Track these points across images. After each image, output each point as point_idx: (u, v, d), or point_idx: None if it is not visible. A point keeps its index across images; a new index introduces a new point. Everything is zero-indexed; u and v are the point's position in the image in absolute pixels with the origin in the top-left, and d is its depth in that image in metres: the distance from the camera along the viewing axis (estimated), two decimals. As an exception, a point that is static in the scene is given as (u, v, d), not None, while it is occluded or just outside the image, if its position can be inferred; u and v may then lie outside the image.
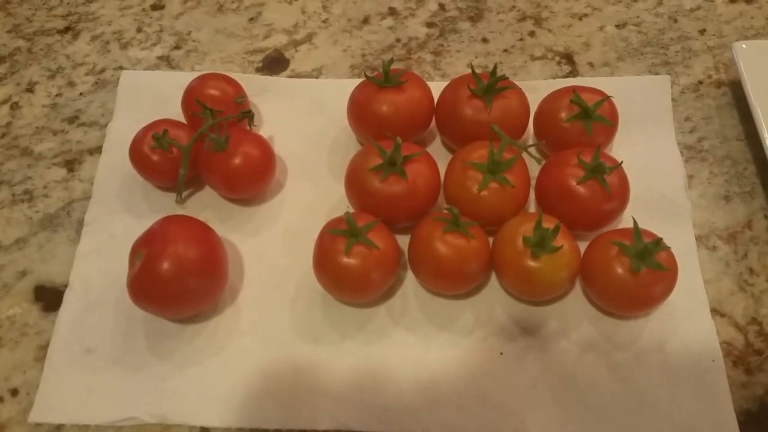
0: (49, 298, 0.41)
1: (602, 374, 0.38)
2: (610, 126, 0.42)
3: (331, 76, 0.51)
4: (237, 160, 0.41)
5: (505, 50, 0.52)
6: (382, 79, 0.43)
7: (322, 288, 0.40)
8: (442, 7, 0.54)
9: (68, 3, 0.55)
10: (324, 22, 0.54)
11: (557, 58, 0.51)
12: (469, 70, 0.43)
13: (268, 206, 0.44)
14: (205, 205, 0.44)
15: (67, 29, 0.54)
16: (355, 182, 0.41)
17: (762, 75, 0.46)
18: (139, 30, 0.53)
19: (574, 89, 0.43)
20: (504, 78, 0.42)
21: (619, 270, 0.37)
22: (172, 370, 0.38)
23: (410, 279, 0.41)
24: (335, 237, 0.38)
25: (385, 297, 0.41)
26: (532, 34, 0.53)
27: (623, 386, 0.38)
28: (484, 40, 0.53)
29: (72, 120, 0.49)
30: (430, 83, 0.45)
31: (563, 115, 0.42)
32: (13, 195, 0.45)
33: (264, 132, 0.47)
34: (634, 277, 0.36)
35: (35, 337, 0.40)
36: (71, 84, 0.50)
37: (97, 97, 0.50)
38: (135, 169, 0.43)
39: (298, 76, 0.51)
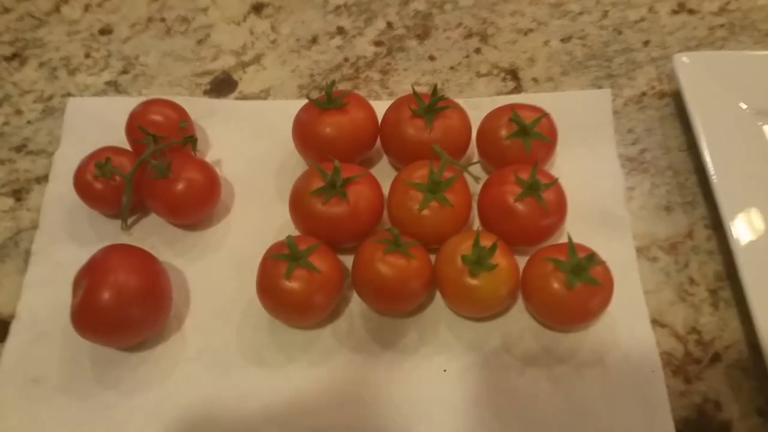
0: (-4, 329, 0.41)
1: (543, 388, 0.39)
2: (549, 142, 0.43)
3: (280, 96, 0.51)
4: (179, 186, 0.41)
5: (452, 67, 0.53)
6: (324, 101, 0.43)
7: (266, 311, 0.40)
8: (389, 25, 0.55)
9: (15, 29, 0.55)
10: (272, 42, 0.54)
11: (502, 75, 0.52)
12: (416, 88, 0.43)
13: (215, 230, 0.44)
14: (151, 231, 0.44)
15: (14, 56, 0.54)
16: (298, 205, 0.41)
17: (701, 86, 0.48)
18: (87, 55, 0.53)
19: (512, 107, 0.43)
20: (444, 98, 0.43)
21: (555, 285, 0.37)
22: (118, 399, 0.38)
23: (356, 299, 0.42)
24: (277, 261, 0.38)
25: (331, 318, 0.41)
26: (477, 50, 0.54)
27: (564, 399, 0.39)
28: (431, 58, 0.53)
29: (19, 149, 0.49)
30: (377, 102, 0.46)
31: (503, 132, 0.43)
32: (-41, 226, 0.45)
33: (211, 155, 0.47)
34: (570, 292, 0.37)
35: (-20, 369, 0.40)
36: (18, 112, 0.50)
37: (45, 124, 0.50)
38: (80, 197, 0.43)
39: (247, 97, 0.51)
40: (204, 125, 0.48)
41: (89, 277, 0.37)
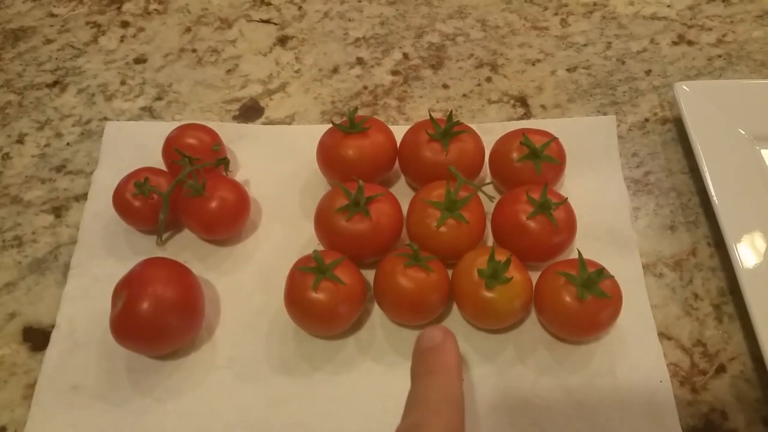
0: (37, 338, 0.43)
1: (557, 398, 0.41)
2: (558, 164, 0.46)
3: (303, 122, 0.54)
4: (213, 204, 0.44)
5: (464, 95, 0.56)
6: (347, 126, 0.46)
7: (294, 323, 0.42)
8: (405, 56, 0.58)
9: (56, 58, 0.59)
10: (296, 72, 0.57)
11: (512, 102, 0.55)
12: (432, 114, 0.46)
13: (244, 246, 0.47)
14: (184, 247, 0.47)
15: (55, 83, 0.57)
16: (323, 222, 0.44)
17: (701, 113, 0.50)
18: (122, 83, 0.57)
19: (523, 132, 0.46)
20: (459, 123, 0.46)
21: (567, 298, 0.40)
22: (153, 405, 0.40)
23: (377, 312, 0.44)
24: (304, 274, 0.41)
25: (354, 329, 0.43)
26: (488, 79, 0.57)
27: (577, 408, 0.40)
28: (445, 86, 0.56)
29: (59, 169, 0.52)
30: (394, 127, 0.49)
31: (514, 155, 0.46)
32: (3, 241, 0.48)
33: (240, 176, 0.50)
34: (581, 304, 0.39)
35: (23, 376, 0.42)
36: (59, 135, 0.54)
37: (83, 146, 0.53)
38: (118, 215, 0.45)
39: (273, 122, 0.54)
40: (233, 148, 0.51)
41: (129, 289, 0.39)
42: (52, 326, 0.44)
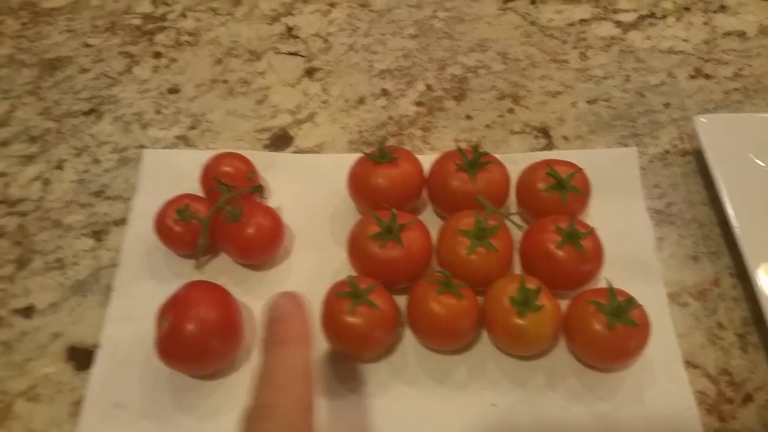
0: (81, 357, 0.45)
1: (587, 424, 0.42)
2: (583, 195, 0.47)
3: (331, 150, 0.56)
4: (250, 230, 0.45)
5: (487, 126, 0.58)
6: (377, 156, 0.48)
7: (328, 346, 0.44)
8: (429, 88, 0.60)
9: (92, 87, 0.61)
10: (324, 102, 0.59)
11: (534, 133, 0.57)
12: (455, 144, 0.48)
13: (277, 271, 0.48)
14: (221, 270, 0.48)
15: (91, 111, 0.59)
16: (356, 248, 0.45)
17: (721, 145, 0.52)
18: (157, 112, 0.59)
19: (549, 163, 0.48)
20: (486, 153, 0.47)
21: (597, 326, 0.41)
22: (194, 423, 0.41)
23: (408, 336, 0.45)
24: (340, 298, 0.42)
25: (387, 353, 0.44)
26: (510, 111, 0.59)
27: (606, 434, 0.41)
28: (468, 117, 0.58)
29: (98, 194, 0.53)
30: (420, 156, 0.50)
31: (540, 186, 0.47)
32: (46, 263, 0.50)
33: (272, 203, 0.52)
34: (611, 332, 0.40)
35: (69, 393, 0.43)
36: (97, 161, 0.55)
37: (121, 173, 0.55)
38: (159, 239, 0.47)
39: (302, 151, 0.56)
40: (265, 176, 0.53)
41: (175, 311, 0.40)
42: (95, 346, 0.45)
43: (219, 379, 0.43)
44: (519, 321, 0.41)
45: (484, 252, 0.44)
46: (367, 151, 0.49)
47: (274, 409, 0.30)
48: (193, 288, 0.42)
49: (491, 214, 0.45)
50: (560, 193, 0.47)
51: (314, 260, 0.49)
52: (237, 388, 0.43)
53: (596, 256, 0.45)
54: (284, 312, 0.34)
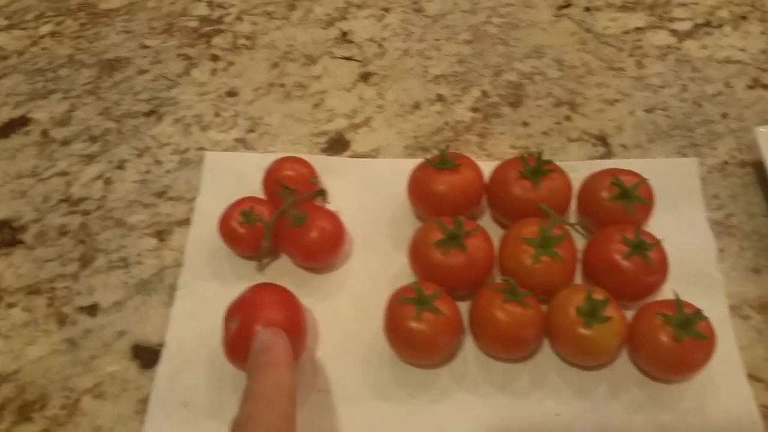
0: (146, 356, 0.46)
1: (650, 435, 0.42)
2: (647, 205, 0.47)
3: (388, 155, 0.56)
4: (314, 234, 0.46)
5: (544, 133, 0.58)
6: (439, 162, 0.48)
7: (389, 350, 0.44)
8: (484, 94, 0.61)
9: (151, 88, 0.62)
10: (379, 107, 0.60)
11: (592, 140, 0.57)
12: (512, 151, 0.48)
13: (338, 274, 0.49)
14: (282, 273, 0.49)
15: (151, 112, 0.60)
16: (418, 254, 0.45)
17: (782, 157, 0.51)
18: (216, 114, 0.60)
19: (612, 172, 0.48)
20: (550, 162, 0.47)
21: (664, 338, 0.41)
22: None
23: (469, 343, 0.45)
24: (404, 304, 0.42)
25: (447, 359, 0.45)
26: (568, 118, 0.58)
27: (670, 446, 0.41)
28: (525, 124, 0.58)
29: (160, 195, 0.54)
30: (477, 162, 0.51)
31: (604, 195, 0.47)
32: (109, 262, 0.51)
33: (330, 206, 0.52)
34: (677, 344, 0.40)
35: (134, 392, 0.44)
36: (158, 162, 0.57)
37: (182, 174, 0.55)
38: (223, 241, 0.48)
39: (359, 155, 0.56)
40: (323, 180, 0.53)
41: (243, 312, 0.41)
42: (160, 345, 0.46)
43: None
44: (585, 331, 0.41)
45: (548, 261, 0.44)
46: (425, 156, 0.49)
47: (259, 417, 0.33)
48: (261, 289, 0.43)
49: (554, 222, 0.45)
50: (625, 202, 0.46)
51: (373, 264, 0.49)
52: (300, 389, 0.43)
53: (662, 267, 0.44)
54: (268, 342, 0.38)
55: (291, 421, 0.34)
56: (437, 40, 0.65)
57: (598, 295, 0.41)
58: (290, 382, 0.36)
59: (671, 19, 0.66)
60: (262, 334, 0.39)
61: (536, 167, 0.47)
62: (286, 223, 0.47)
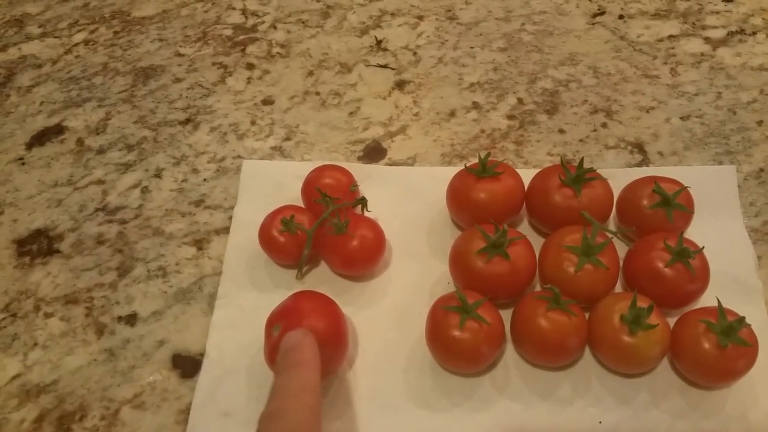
0: (186, 365, 0.46)
1: (693, 443, 0.41)
2: (688, 213, 0.47)
3: (425, 163, 0.57)
4: (355, 242, 0.46)
5: (581, 140, 0.57)
6: (479, 170, 0.48)
7: (430, 358, 0.44)
8: (520, 101, 0.61)
9: (187, 97, 0.63)
10: (415, 115, 0.60)
11: (629, 148, 0.57)
12: (549, 158, 0.48)
13: (377, 282, 0.49)
14: (321, 281, 0.49)
15: (187, 121, 0.61)
16: (460, 262, 0.46)
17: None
18: (252, 123, 0.60)
19: (653, 179, 0.47)
20: (591, 170, 0.47)
21: (707, 345, 0.41)
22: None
23: (510, 351, 0.45)
24: (447, 312, 0.42)
25: (489, 367, 0.45)
26: (604, 125, 0.58)
27: (714, 454, 0.41)
28: (561, 131, 0.58)
29: (198, 203, 0.55)
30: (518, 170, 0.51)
31: (645, 202, 0.47)
32: (148, 271, 0.51)
33: (369, 215, 0.53)
34: (721, 352, 0.40)
35: (175, 401, 0.44)
36: (195, 171, 0.57)
37: (220, 182, 0.56)
38: (263, 249, 0.48)
39: (395, 163, 0.57)
40: (361, 187, 0.53)
41: (286, 320, 0.41)
42: (200, 354, 0.46)
43: (324, 388, 0.43)
44: (630, 339, 0.41)
45: (592, 269, 0.43)
46: (462, 164, 0.49)
47: (287, 412, 0.35)
48: (303, 297, 0.43)
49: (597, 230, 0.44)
50: (666, 210, 0.46)
51: (413, 272, 0.49)
52: (342, 397, 0.43)
53: (704, 274, 0.44)
54: (295, 342, 0.39)
55: (317, 415, 0.35)
56: (471, 47, 0.65)
57: (643, 302, 0.41)
58: (316, 379, 0.37)
59: (704, 27, 0.66)
60: (291, 334, 0.40)
61: (578, 175, 0.47)
62: (327, 232, 0.47)
